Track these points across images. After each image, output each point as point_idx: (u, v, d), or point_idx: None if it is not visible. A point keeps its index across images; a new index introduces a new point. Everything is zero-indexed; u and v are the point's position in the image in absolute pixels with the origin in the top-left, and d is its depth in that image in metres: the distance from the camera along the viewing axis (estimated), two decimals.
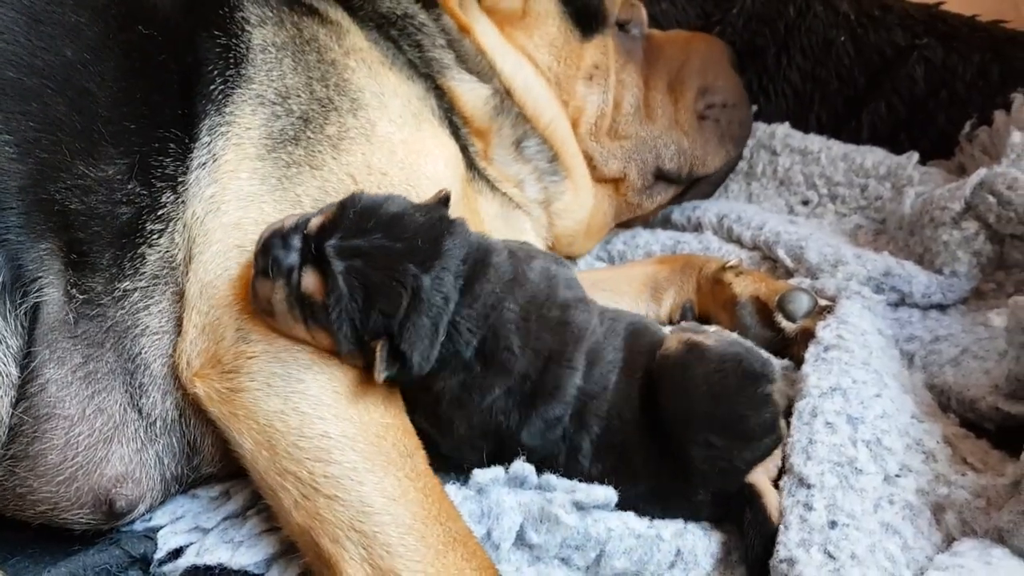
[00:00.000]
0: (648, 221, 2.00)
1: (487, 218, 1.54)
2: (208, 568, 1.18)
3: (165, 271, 1.25)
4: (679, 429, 1.17)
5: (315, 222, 1.12)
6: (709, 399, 1.18)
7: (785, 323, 1.53)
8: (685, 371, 1.19)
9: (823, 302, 1.56)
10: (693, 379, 1.18)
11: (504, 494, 1.19)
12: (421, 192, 1.36)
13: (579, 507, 1.20)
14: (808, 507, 1.18)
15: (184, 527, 1.24)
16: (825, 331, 1.43)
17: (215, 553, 1.19)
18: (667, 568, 1.21)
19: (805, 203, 1.99)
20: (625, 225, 1.97)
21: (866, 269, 1.63)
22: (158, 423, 1.22)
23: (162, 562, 1.21)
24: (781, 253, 1.74)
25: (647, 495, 1.22)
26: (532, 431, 1.18)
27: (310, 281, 1.09)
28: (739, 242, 1.85)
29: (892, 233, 1.80)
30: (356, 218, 1.11)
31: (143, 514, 1.25)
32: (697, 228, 1.95)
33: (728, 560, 1.24)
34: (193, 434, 1.24)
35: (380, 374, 1.08)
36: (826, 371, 1.35)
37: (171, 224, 1.25)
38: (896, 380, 1.39)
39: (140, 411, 1.21)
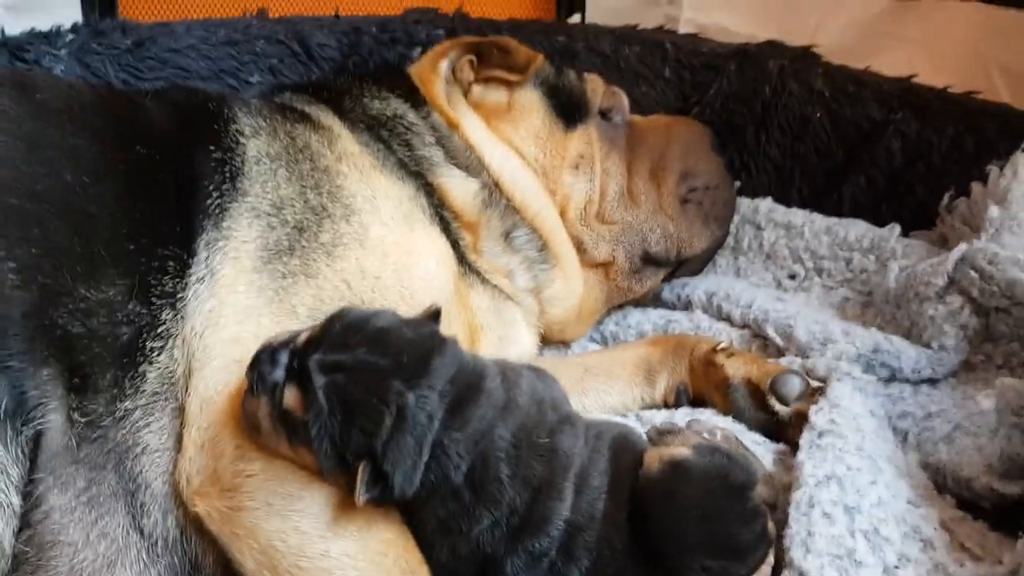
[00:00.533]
0: (639, 301, 2.02)
1: (479, 311, 1.56)
2: None
3: (165, 387, 1.26)
4: (672, 557, 1.14)
5: (303, 337, 1.11)
6: (699, 524, 1.15)
7: (779, 407, 1.55)
8: (672, 497, 1.16)
9: (814, 383, 1.58)
10: (682, 505, 1.15)
11: None
12: (415, 292, 1.38)
13: None
14: None
15: None
16: (818, 416, 1.45)
17: None
18: None
19: (792, 277, 2.02)
20: (617, 307, 1.99)
21: (855, 346, 1.65)
22: (159, 543, 1.22)
23: None
24: (771, 331, 1.76)
25: None
26: (517, 564, 1.13)
27: (291, 396, 1.08)
28: (729, 320, 1.88)
29: (879, 306, 1.83)
30: (342, 332, 1.10)
31: None
32: (687, 306, 1.97)
33: None
34: (195, 552, 1.24)
35: (361, 497, 1.05)
36: (821, 459, 1.37)
37: (170, 340, 1.27)
38: (890, 463, 1.40)
39: (142, 532, 1.21)
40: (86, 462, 1.18)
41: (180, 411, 1.26)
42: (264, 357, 1.12)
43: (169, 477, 1.24)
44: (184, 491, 1.20)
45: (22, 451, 1.13)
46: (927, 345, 1.68)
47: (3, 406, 1.12)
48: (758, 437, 1.54)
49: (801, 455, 1.39)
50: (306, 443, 1.08)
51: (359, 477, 1.05)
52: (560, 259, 1.75)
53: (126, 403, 1.23)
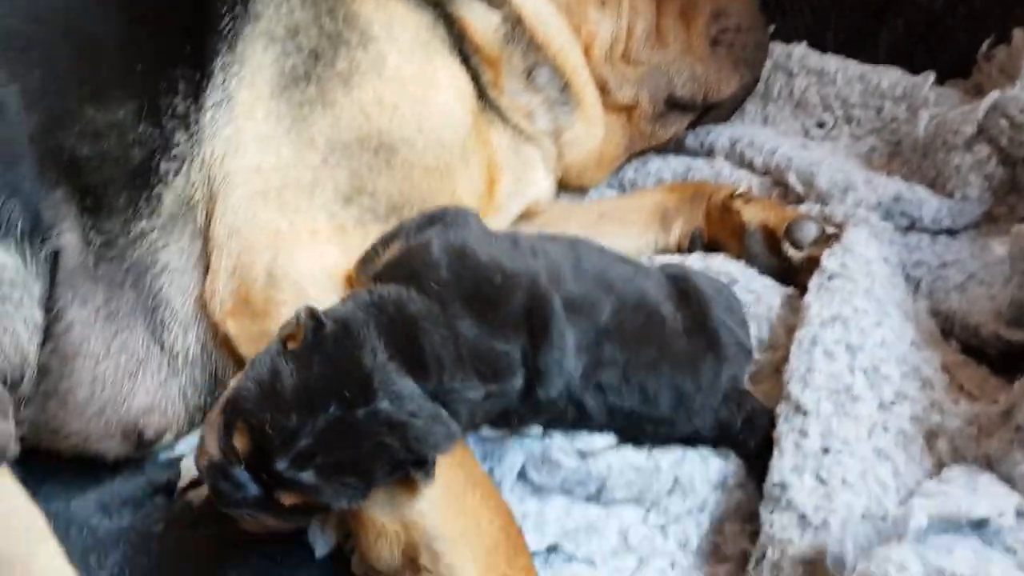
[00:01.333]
0: (662, 148, 2.00)
1: (498, 150, 1.55)
2: None
3: (183, 210, 1.29)
4: None
5: (242, 448, 1.00)
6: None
7: (792, 251, 1.55)
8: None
9: (831, 230, 1.57)
10: None
11: (506, 437, 1.24)
12: (433, 125, 1.38)
13: (580, 454, 1.25)
14: (803, 434, 1.21)
15: None
16: (829, 260, 1.45)
17: None
18: (666, 495, 1.27)
19: (820, 125, 1.97)
20: (638, 153, 1.97)
21: (876, 194, 1.63)
22: (180, 357, 1.28)
23: (185, 489, 1.28)
24: (792, 178, 1.74)
25: None
26: None
27: (293, 499, 1.01)
28: (751, 167, 1.85)
29: (906, 156, 1.79)
30: (273, 427, 0.98)
31: (170, 443, 1.32)
32: (709, 153, 1.95)
33: (725, 485, 1.30)
34: (216, 367, 1.30)
35: (427, 483, 1.05)
36: (828, 300, 1.38)
37: (186, 163, 1.29)
38: (898, 308, 1.41)
39: (162, 346, 1.27)
40: (104, 279, 1.23)
41: (199, 234, 1.30)
42: (225, 487, 1.01)
43: (189, 296, 1.29)
44: (216, 311, 1.25)
45: (42, 269, 1.18)
46: (950, 195, 1.66)
47: (20, 227, 1.16)
48: (768, 280, 1.55)
49: (809, 297, 1.40)
50: (336, 508, 1.04)
51: (416, 481, 1.05)
52: (582, 100, 1.72)
53: (141, 224, 1.26)
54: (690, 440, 1.30)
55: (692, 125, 1.96)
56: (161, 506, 1.27)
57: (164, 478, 1.28)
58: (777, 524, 1.14)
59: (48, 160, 1.19)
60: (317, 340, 1.03)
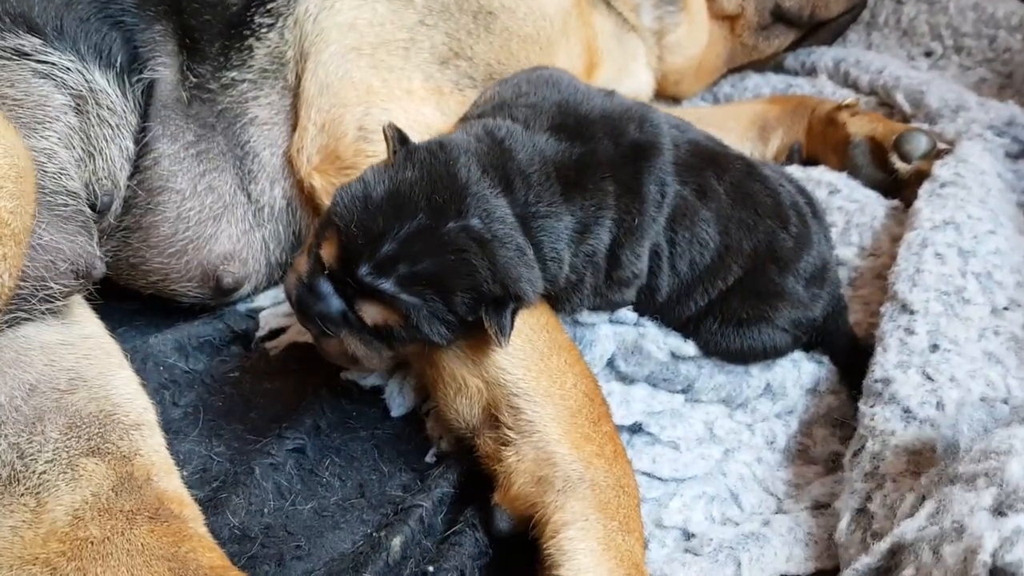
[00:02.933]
0: (761, 65, 1.93)
1: (601, 35, 1.50)
2: (310, 347, 1.22)
3: (274, 66, 1.27)
4: None
5: (328, 255, 0.97)
6: None
7: (900, 164, 1.48)
8: None
9: (941, 146, 1.49)
10: None
11: (600, 324, 1.20)
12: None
13: (672, 353, 1.20)
14: (909, 331, 1.15)
15: (286, 310, 1.28)
16: (942, 169, 1.38)
17: None
18: (754, 399, 1.22)
19: (928, 55, 1.89)
20: (737, 69, 1.90)
21: (988, 116, 1.55)
22: (266, 209, 1.25)
23: (264, 339, 1.26)
24: (900, 98, 1.67)
25: None
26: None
27: (373, 313, 0.97)
28: (855, 87, 1.78)
29: (1018, 86, 1.71)
30: (359, 228, 0.95)
31: (247, 295, 1.30)
32: (811, 73, 1.87)
33: (816, 390, 1.24)
34: (299, 224, 1.28)
35: (505, 340, 0.98)
36: (940, 205, 1.31)
37: (280, 20, 1.27)
38: (1012, 222, 1.33)
39: (249, 196, 1.24)
40: (196, 119, 1.21)
41: (289, 90, 1.27)
42: (308, 299, 0.98)
43: (277, 149, 1.26)
44: (302, 167, 1.22)
45: (137, 101, 1.16)
46: None
47: (120, 59, 1.14)
48: (870, 192, 1.48)
49: (919, 203, 1.34)
50: (415, 339, 1.00)
51: (490, 329, 0.97)
52: (688, 2, 1.66)
53: (233, 73, 1.24)
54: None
55: (793, 46, 1.89)
56: (237, 354, 1.25)
57: (242, 327, 1.26)
58: (880, 417, 1.08)
59: None
60: (411, 151, 1.00)
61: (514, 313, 0.99)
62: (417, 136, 1.12)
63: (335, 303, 0.98)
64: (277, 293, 1.31)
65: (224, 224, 1.21)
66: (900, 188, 1.49)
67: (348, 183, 1.00)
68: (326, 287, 0.98)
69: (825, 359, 1.26)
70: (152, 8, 1.18)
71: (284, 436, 1.10)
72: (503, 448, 1.01)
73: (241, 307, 1.30)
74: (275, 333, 1.26)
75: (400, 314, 0.96)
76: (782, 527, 1.05)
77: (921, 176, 1.45)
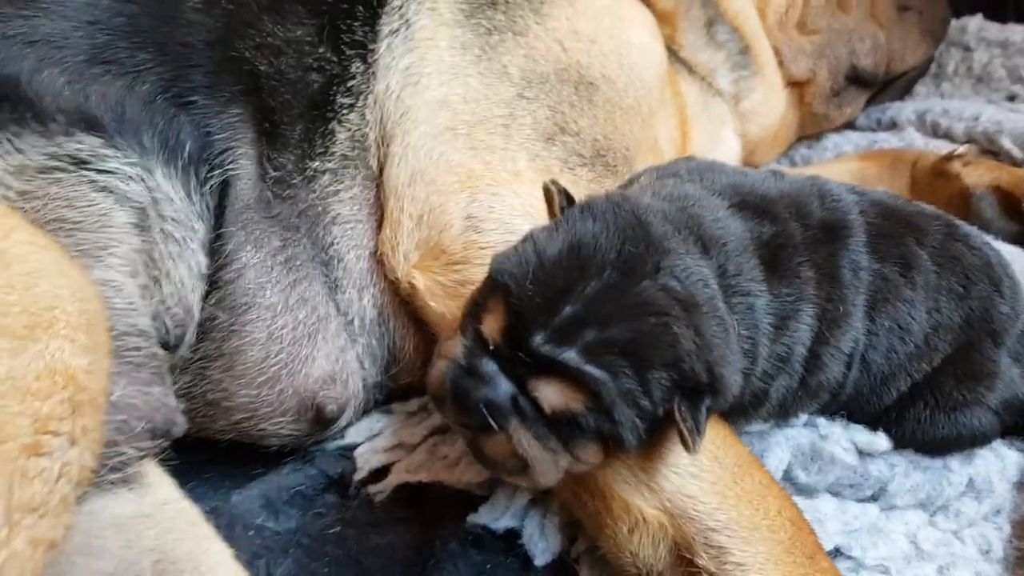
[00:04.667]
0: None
1: (688, 101, 1.35)
2: (423, 487, 1.02)
3: (356, 151, 1.09)
4: None
5: (491, 327, 0.80)
6: None
7: None
8: None
9: None
10: None
11: (772, 432, 1.02)
12: (634, 62, 1.19)
13: (859, 451, 1.02)
14: None
15: (385, 443, 1.07)
16: None
17: (430, 469, 1.02)
18: (956, 498, 1.03)
19: (1011, 99, 1.76)
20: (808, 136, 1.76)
21: None
22: (356, 322, 1.07)
23: (365, 482, 1.05)
24: (1007, 143, 1.52)
25: None
26: None
27: (552, 394, 0.77)
28: (948, 136, 1.64)
29: None
30: (534, 289, 0.77)
31: (343, 427, 1.09)
32: (892, 127, 1.73)
33: (1021, 483, 1.06)
34: (393, 337, 1.09)
35: (696, 442, 0.77)
36: None
37: (361, 99, 1.10)
38: None
39: (338, 308, 1.05)
40: (280, 221, 1.03)
41: (372, 181, 1.10)
42: (467, 384, 0.80)
43: (363, 251, 1.09)
44: (398, 265, 1.04)
45: (207, 205, 0.97)
46: None
47: (187, 150, 0.96)
48: (1012, 248, 1.32)
49: None
50: (596, 432, 0.79)
51: (683, 424, 0.76)
52: (762, 67, 1.52)
53: (315, 163, 1.07)
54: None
55: (866, 105, 1.75)
56: (334, 504, 1.04)
57: (336, 470, 1.05)
58: None
59: (225, 71, 0.99)
60: (588, 204, 0.84)
61: (709, 411, 0.80)
62: (532, 224, 0.95)
63: (503, 385, 0.79)
64: (370, 425, 1.10)
65: (320, 341, 1.02)
66: None
67: (509, 248, 0.83)
68: (490, 366, 0.79)
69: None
70: (228, 86, 1.00)
71: None
72: None
73: (330, 445, 1.10)
74: (377, 474, 1.05)
75: (586, 392, 0.76)
76: None
77: None
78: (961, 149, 1.46)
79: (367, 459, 1.06)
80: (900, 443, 1.01)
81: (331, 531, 1.00)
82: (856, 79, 1.65)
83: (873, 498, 1.03)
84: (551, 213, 0.89)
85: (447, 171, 1.05)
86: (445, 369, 0.82)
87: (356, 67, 1.09)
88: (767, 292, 0.88)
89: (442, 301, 1.01)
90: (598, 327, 0.75)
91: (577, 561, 0.96)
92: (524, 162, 1.07)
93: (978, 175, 1.40)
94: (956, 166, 1.43)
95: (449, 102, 1.08)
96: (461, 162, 1.05)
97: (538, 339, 0.75)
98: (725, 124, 1.44)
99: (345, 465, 1.06)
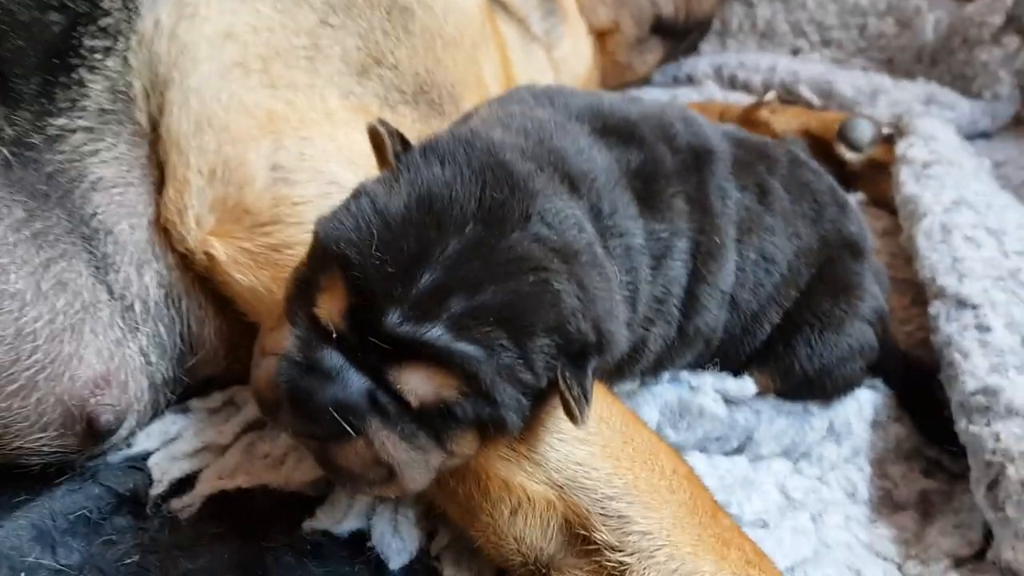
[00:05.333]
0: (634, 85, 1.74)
1: (509, 42, 1.24)
2: (242, 494, 0.83)
3: (118, 104, 0.89)
4: None
5: (330, 310, 0.64)
6: None
7: (850, 154, 1.33)
8: None
9: (884, 129, 1.35)
10: None
11: (639, 392, 0.93)
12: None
13: (727, 401, 0.95)
14: (984, 328, 0.97)
15: (186, 448, 0.88)
16: (913, 150, 1.23)
17: (249, 472, 0.84)
18: (818, 443, 0.98)
19: (795, 53, 1.78)
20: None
21: (908, 94, 1.44)
22: (136, 307, 0.86)
23: (165, 497, 0.85)
24: (805, 91, 1.53)
25: None
26: None
27: (419, 383, 0.62)
28: (746, 88, 1.63)
29: (907, 68, 1.62)
30: (381, 256, 0.61)
31: (126, 438, 0.88)
32: (689, 83, 1.71)
33: (877, 422, 1.03)
34: (186, 322, 0.89)
35: (583, 411, 0.64)
36: (939, 187, 1.15)
37: (120, 40, 0.90)
38: (1010, 196, 1.20)
39: (111, 291, 0.84)
40: (24, 187, 0.80)
41: (143, 136, 0.90)
42: (307, 386, 0.63)
43: (140, 220, 0.88)
44: (188, 233, 0.85)
45: None
46: (978, 96, 1.49)
47: None
48: None
49: (911, 188, 1.17)
50: (474, 419, 0.64)
51: (568, 394, 0.64)
52: (567, 13, 1.44)
53: (61, 120, 0.85)
54: None
55: (663, 61, 1.72)
56: (128, 527, 0.82)
57: (127, 485, 0.84)
58: (1007, 434, 0.86)
59: None
60: (432, 147, 0.68)
61: (594, 373, 0.68)
62: (354, 168, 0.81)
63: (355, 380, 0.63)
64: (164, 428, 0.90)
65: (87, 335, 0.80)
66: (854, 179, 1.33)
67: (338, 208, 0.66)
68: (335, 359, 0.63)
69: (878, 383, 1.05)
70: None
71: None
72: None
73: (115, 456, 0.88)
74: (180, 486, 0.85)
75: (459, 375, 0.62)
76: None
77: (874, 165, 1.31)
78: (768, 96, 1.44)
79: (165, 469, 0.86)
80: (793, 381, 0.95)
81: (128, 561, 0.79)
82: (659, 28, 1.61)
83: (739, 450, 0.96)
84: (382, 161, 0.73)
85: (241, 114, 0.87)
86: (276, 369, 0.64)
87: (110, 2, 0.88)
88: (643, 229, 0.78)
89: (251, 272, 0.83)
90: (466, 294, 0.61)
91: (438, 559, 0.81)
92: (336, 100, 0.91)
93: (786, 121, 1.39)
94: (764, 114, 1.41)
95: (237, 33, 0.90)
96: (258, 103, 0.88)
97: (393, 318, 0.60)
98: (544, 72, 1.34)
99: (137, 479, 0.85)
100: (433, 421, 0.64)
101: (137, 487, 0.85)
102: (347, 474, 0.66)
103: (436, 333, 0.60)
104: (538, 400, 0.67)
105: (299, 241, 0.81)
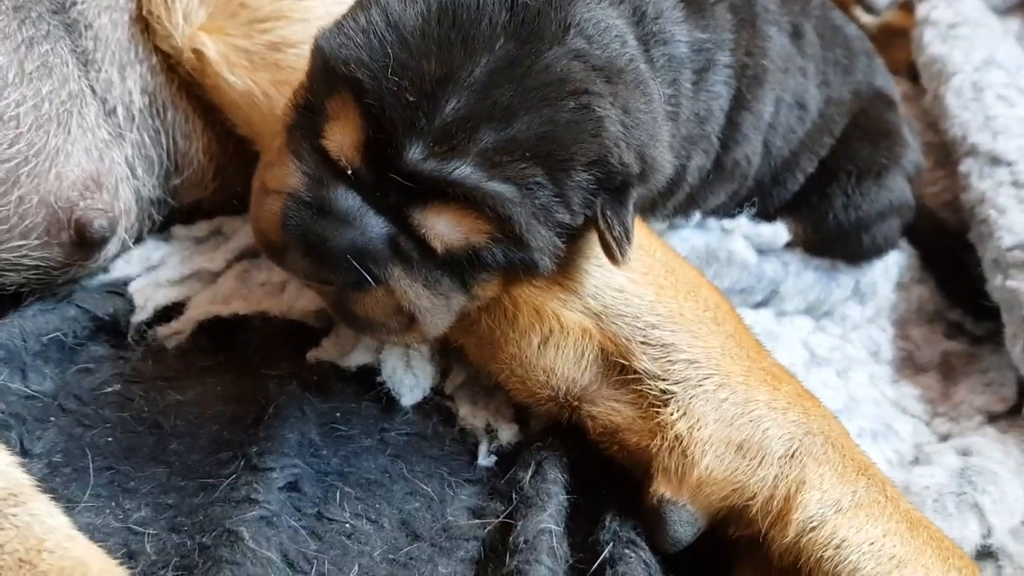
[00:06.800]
0: None
1: None
2: (239, 322, 0.76)
3: None
4: None
5: (342, 142, 0.56)
6: None
7: (866, 17, 1.26)
8: None
9: None
10: None
11: (665, 234, 0.86)
12: None
13: (759, 250, 0.90)
14: (1019, 184, 0.92)
15: (172, 274, 0.79)
16: (936, 12, 1.17)
17: (246, 299, 0.76)
18: (841, 303, 0.94)
19: None
20: None
21: None
22: (119, 112, 0.76)
23: (149, 324, 0.77)
24: None
25: None
26: None
27: (445, 227, 0.56)
28: None
29: None
30: (397, 80, 0.53)
31: (110, 258, 0.79)
32: None
33: (901, 283, 1.00)
34: (172, 135, 0.80)
35: (625, 250, 0.59)
36: (967, 47, 1.10)
37: None
38: None
39: (93, 90, 0.75)
40: None
41: None
42: (320, 230, 0.55)
43: (121, 15, 0.78)
44: (175, 28, 0.75)
45: None
46: None
47: None
48: None
49: (937, 48, 1.12)
50: (506, 262, 0.58)
51: (609, 233, 0.58)
52: None
53: None
54: None
55: None
56: (106, 356, 0.74)
57: (107, 310, 0.75)
58: None
59: None
60: None
61: (636, 205, 0.61)
62: None
63: (374, 224, 0.56)
64: (146, 254, 0.81)
65: (75, 130, 0.71)
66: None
67: (344, 19, 0.57)
68: (351, 199, 0.55)
69: (903, 243, 1.00)
70: None
71: (261, 467, 0.64)
72: (657, 410, 0.63)
73: (91, 282, 0.79)
74: (165, 314, 0.77)
75: (491, 218, 0.55)
76: (992, 451, 0.77)
77: (891, 29, 1.25)
78: None
79: (148, 295, 0.78)
80: (826, 231, 0.91)
81: (108, 390, 0.72)
82: None
83: (763, 304, 0.91)
84: None
85: None
86: (282, 210, 0.56)
87: None
88: (688, 36, 0.70)
89: (246, 73, 0.74)
90: (497, 124, 0.53)
91: (452, 398, 0.75)
92: None
93: None
94: None
95: None
96: None
97: (415, 153, 0.53)
98: None
99: (117, 304, 0.77)
100: (458, 266, 0.58)
101: (117, 312, 0.76)
102: (364, 322, 0.60)
103: (465, 171, 0.53)
104: (573, 237, 0.61)
105: (302, 39, 0.72)
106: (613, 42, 0.59)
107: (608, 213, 0.58)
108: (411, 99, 0.53)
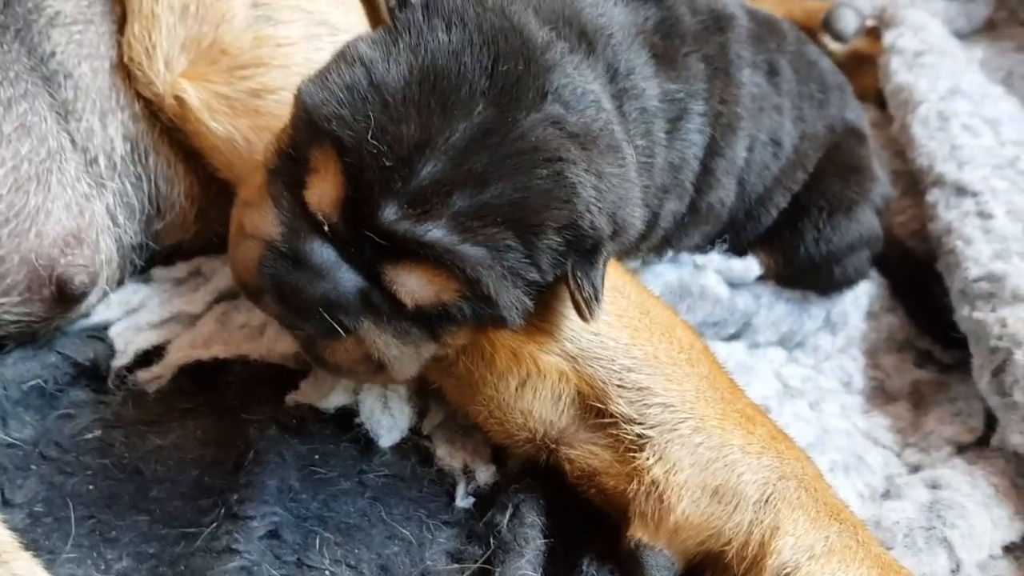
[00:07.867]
0: None
1: None
2: (219, 365, 0.77)
3: None
4: None
5: (322, 199, 0.57)
6: None
7: (834, 45, 1.28)
8: None
9: (869, 22, 1.31)
10: None
11: (640, 271, 0.88)
12: None
13: (731, 284, 0.92)
14: (985, 215, 0.95)
15: (152, 318, 0.80)
16: (903, 40, 1.20)
17: (226, 343, 0.77)
18: (813, 333, 0.96)
19: None
20: None
21: None
22: (101, 161, 0.77)
23: (130, 369, 0.77)
24: None
25: None
26: None
27: (415, 285, 0.57)
28: None
29: None
30: (378, 140, 0.54)
31: (92, 305, 0.80)
32: None
33: (871, 312, 1.02)
34: (154, 180, 0.81)
35: (593, 310, 0.60)
36: (933, 75, 1.12)
37: None
38: (1001, 88, 1.18)
39: (73, 141, 0.75)
40: None
41: None
42: (296, 281, 0.56)
43: (101, 62, 0.78)
44: (157, 75, 0.76)
45: None
46: None
47: None
48: None
49: (902, 76, 1.14)
50: (479, 316, 0.59)
51: (579, 293, 0.59)
52: None
53: None
54: None
55: None
56: (87, 401, 0.75)
57: (88, 355, 0.76)
58: (1013, 319, 0.84)
59: None
60: (435, 6, 0.59)
61: (606, 263, 0.62)
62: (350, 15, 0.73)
63: (347, 279, 0.57)
64: (126, 298, 0.82)
65: (55, 187, 0.71)
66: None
67: (328, 70, 0.58)
68: (326, 254, 0.57)
69: (873, 272, 1.02)
70: None
71: (242, 516, 0.65)
72: (634, 455, 0.65)
73: (73, 327, 0.79)
74: (146, 358, 0.78)
75: (461, 278, 0.56)
76: (960, 484, 0.79)
77: (857, 57, 1.28)
78: None
79: (129, 339, 0.78)
80: (797, 264, 0.92)
81: (88, 436, 0.72)
82: None
83: (736, 336, 0.93)
84: (373, 16, 0.65)
85: None
86: (259, 258, 0.58)
87: None
88: (658, 89, 0.72)
89: (227, 120, 0.75)
90: (471, 189, 0.55)
91: (430, 438, 0.76)
92: None
93: (770, 7, 1.33)
94: (748, 1, 1.35)
95: None
96: None
97: (390, 214, 0.54)
98: None
99: (97, 348, 0.78)
100: (428, 319, 0.59)
101: (98, 357, 0.77)
102: (334, 368, 0.61)
103: (437, 234, 0.54)
104: (548, 287, 0.62)
105: (283, 86, 0.73)
106: (589, 108, 0.61)
107: (579, 274, 0.59)
108: (388, 164, 0.54)
